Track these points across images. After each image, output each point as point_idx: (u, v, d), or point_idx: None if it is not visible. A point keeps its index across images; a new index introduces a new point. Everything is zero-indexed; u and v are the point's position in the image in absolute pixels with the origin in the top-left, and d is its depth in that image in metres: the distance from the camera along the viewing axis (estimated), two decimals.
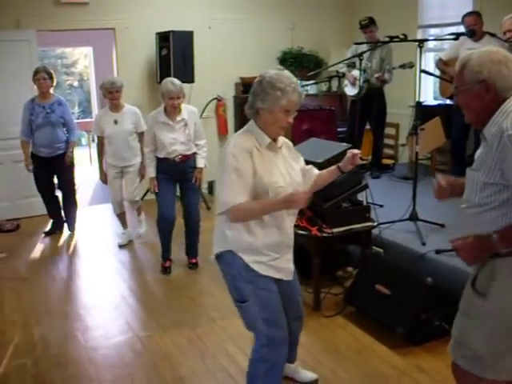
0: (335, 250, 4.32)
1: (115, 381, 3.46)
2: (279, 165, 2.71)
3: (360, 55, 5.25)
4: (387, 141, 7.66)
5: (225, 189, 2.59)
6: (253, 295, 2.72)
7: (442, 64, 6.23)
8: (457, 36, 4.66)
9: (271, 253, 2.71)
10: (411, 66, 5.87)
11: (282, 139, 2.79)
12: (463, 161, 6.31)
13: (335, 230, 4.03)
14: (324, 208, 4.03)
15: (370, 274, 4.04)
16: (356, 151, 2.91)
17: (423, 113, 6.82)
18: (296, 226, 4.02)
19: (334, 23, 8.43)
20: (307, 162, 3.56)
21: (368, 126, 6.84)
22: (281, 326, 2.79)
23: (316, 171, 3.04)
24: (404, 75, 6.36)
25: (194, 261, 5.19)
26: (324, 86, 8.18)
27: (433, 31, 7.44)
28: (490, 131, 2.10)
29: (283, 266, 2.80)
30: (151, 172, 4.92)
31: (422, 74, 7.30)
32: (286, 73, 2.65)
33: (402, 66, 5.92)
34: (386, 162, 7.15)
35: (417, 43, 4.69)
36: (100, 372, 3.56)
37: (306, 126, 7.41)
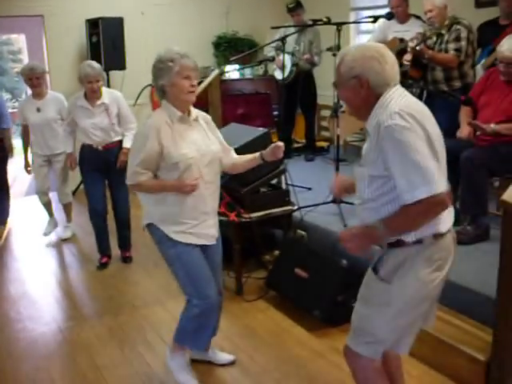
0: (257, 234, 4.34)
1: (30, 373, 3.44)
2: (194, 136, 2.91)
3: (283, 39, 5.25)
4: (323, 123, 7.73)
5: (130, 165, 2.90)
6: (177, 260, 2.97)
7: None
8: (375, 19, 4.68)
9: (189, 220, 2.92)
10: (339, 48, 5.90)
11: (196, 112, 2.99)
12: None
13: (254, 214, 4.07)
14: (242, 193, 4.06)
15: (289, 258, 4.09)
16: (280, 144, 3.02)
17: None
18: None
19: (269, 6, 8.38)
20: None
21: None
22: (209, 288, 2.99)
23: (235, 155, 3.20)
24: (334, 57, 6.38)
25: (127, 254, 5.12)
26: (260, 70, 8.19)
27: (366, 13, 7.49)
28: (371, 125, 2.13)
29: (204, 232, 2.99)
30: (68, 148, 5.00)
31: None
32: (174, 47, 2.85)
33: (329, 49, 5.94)
34: (320, 144, 7.21)
35: (335, 26, 4.70)
36: (16, 365, 3.54)
37: (241, 110, 7.42)
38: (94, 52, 6.99)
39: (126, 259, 5.10)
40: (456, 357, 3.12)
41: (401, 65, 5.05)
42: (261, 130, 4.11)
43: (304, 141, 7.15)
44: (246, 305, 4.13)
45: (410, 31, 5.37)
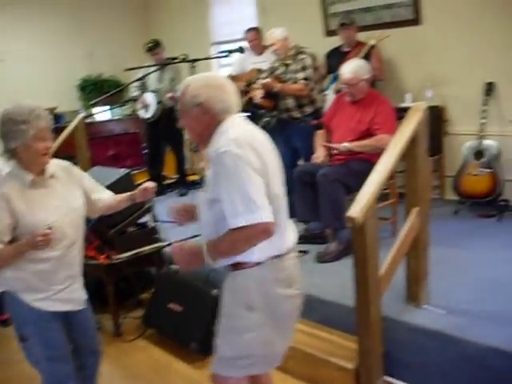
0: (131, 274, 4.34)
1: None
2: (51, 198, 2.65)
3: (141, 78, 5.33)
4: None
5: None
6: (34, 335, 2.67)
7: (231, 79, 6.45)
8: (228, 53, 4.87)
9: (52, 287, 2.66)
10: None
11: (54, 165, 2.72)
12: None
13: (123, 255, 4.08)
14: (109, 235, 4.06)
15: (163, 294, 4.12)
16: (148, 185, 2.98)
17: None
18: (85, 257, 4.04)
19: (132, 46, 8.40)
20: None
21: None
22: (65, 360, 2.75)
23: (109, 194, 3.05)
24: None
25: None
26: (128, 110, 8.20)
27: (225, 47, 7.73)
28: (211, 151, 2.21)
29: (70, 297, 2.75)
30: None
31: None
32: (24, 103, 2.57)
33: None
34: (193, 178, 7.28)
35: (191, 63, 4.82)
36: None
37: (111, 151, 7.42)
38: None
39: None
40: (327, 368, 3.26)
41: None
42: (122, 172, 4.14)
43: (176, 176, 7.21)
44: (125, 345, 4.11)
45: (266, 61, 5.62)
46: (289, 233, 2.37)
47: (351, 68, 4.31)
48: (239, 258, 2.23)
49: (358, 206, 2.71)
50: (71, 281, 2.75)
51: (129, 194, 3.03)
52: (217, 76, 2.34)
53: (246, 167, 2.06)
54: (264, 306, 2.27)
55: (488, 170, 4.95)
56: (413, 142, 3.01)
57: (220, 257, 2.21)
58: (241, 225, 2.05)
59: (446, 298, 3.37)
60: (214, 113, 2.22)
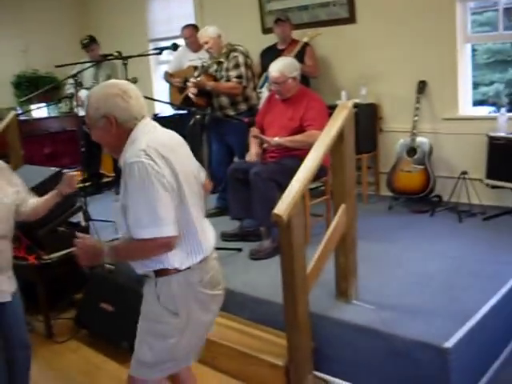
0: (64, 274, 4.25)
1: None
2: None
3: (75, 75, 5.23)
4: None
5: None
6: None
7: (168, 76, 6.42)
8: (160, 50, 4.82)
9: None
10: (135, 81, 5.94)
11: None
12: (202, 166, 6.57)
13: (54, 255, 4.00)
14: (39, 234, 3.96)
15: (95, 294, 4.06)
16: (71, 174, 3.03)
17: (162, 123, 7.03)
18: (15, 258, 3.95)
19: (69, 42, 8.22)
20: None
21: None
22: None
23: (32, 199, 3.03)
24: (142, 89, 6.35)
25: None
26: (65, 107, 8.05)
27: (163, 43, 7.65)
28: (121, 161, 2.19)
29: None
30: None
31: (157, 86, 7.56)
32: None
33: None
34: None
35: (122, 60, 4.77)
36: None
37: (48, 149, 7.32)
38: None
39: None
40: (258, 365, 3.27)
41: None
42: (53, 170, 4.07)
43: (113, 175, 7.12)
44: (57, 347, 4.02)
45: (203, 58, 5.59)
46: (208, 233, 2.37)
47: (278, 66, 4.33)
48: (162, 265, 2.22)
49: (284, 204, 2.72)
50: None
51: (54, 190, 3.01)
52: (116, 83, 2.27)
53: (153, 179, 2.05)
54: (189, 310, 2.27)
55: (420, 167, 5.05)
56: (339, 139, 3.04)
57: (118, 260, 2.33)
58: (142, 237, 2.07)
59: (376, 293, 3.42)
60: (120, 122, 2.17)
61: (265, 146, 4.35)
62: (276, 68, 4.31)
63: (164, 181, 2.07)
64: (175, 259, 2.20)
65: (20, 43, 7.99)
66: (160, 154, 2.10)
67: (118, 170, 6.73)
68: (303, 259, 2.89)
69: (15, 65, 7.97)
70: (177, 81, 6.15)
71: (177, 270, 2.22)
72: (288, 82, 4.31)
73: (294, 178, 2.86)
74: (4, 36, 7.89)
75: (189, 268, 2.24)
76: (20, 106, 7.46)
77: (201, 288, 2.28)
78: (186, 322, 2.27)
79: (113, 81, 2.32)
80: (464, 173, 4.89)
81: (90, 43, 6.48)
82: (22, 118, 7.27)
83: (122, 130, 2.19)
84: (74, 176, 3.01)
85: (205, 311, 2.33)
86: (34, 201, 3.02)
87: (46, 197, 3.04)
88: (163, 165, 2.09)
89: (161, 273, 2.24)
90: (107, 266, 4.44)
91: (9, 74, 7.93)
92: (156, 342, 2.31)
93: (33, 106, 7.58)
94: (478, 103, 5.57)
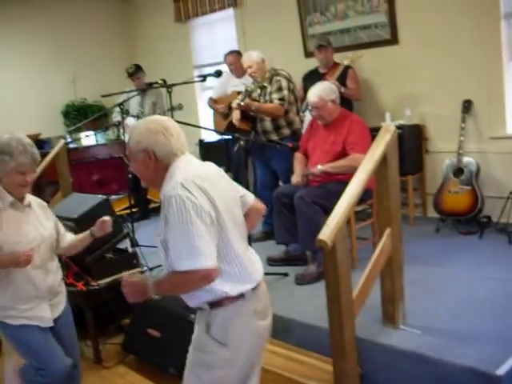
0: (112, 300, 4.31)
1: None
2: (24, 221, 2.91)
3: (121, 104, 5.34)
4: None
5: None
6: (20, 347, 3.00)
7: (212, 102, 6.50)
8: (204, 78, 4.88)
9: (19, 306, 2.90)
10: (180, 108, 6.06)
11: (30, 198, 3.00)
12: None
13: (101, 281, 4.06)
14: (87, 262, 4.04)
15: (142, 319, 4.09)
16: (105, 218, 3.14)
17: (207, 149, 7.12)
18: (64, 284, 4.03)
19: (116, 71, 8.42)
20: (64, 219, 3.59)
21: None
22: (55, 361, 2.98)
23: (70, 236, 3.25)
24: (187, 115, 6.45)
25: None
26: (113, 134, 8.21)
27: (208, 70, 7.76)
28: (161, 195, 2.23)
29: (37, 315, 2.95)
30: None
31: (202, 112, 7.64)
32: (18, 135, 2.82)
33: (172, 109, 6.07)
34: None
35: (167, 88, 4.85)
36: None
37: (96, 176, 7.44)
38: None
39: None
40: None
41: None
42: (99, 198, 4.13)
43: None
44: (105, 372, 4.07)
45: (247, 84, 5.63)
46: (255, 260, 2.38)
47: (316, 91, 4.36)
48: (214, 296, 2.23)
49: (328, 229, 2.71)
50: (38, 301, 2.96)
51: (88, 231, 3.19)
52: (160, 119, 2.32)
53: (191, 212, 2.07)
54: (240, 342, 2.27)
55: (468, 187, 4.96)
56: (383, 162, 3.02)
57: (163, 294, 2.30)
58: (183, 269, 2.09)
59: (423, 318, 3.36)
60: (159, 157, 2.23)
61: (310, 177, 4.34)
62: (314, 93, 4.34)
63: (202, 213, 2.10)
64: (225, 286, 2.21)
65: (69, 73, 8.24)
66: (197, 185, 2.13)
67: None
68: (349, 284, 2.87)
69: (64, 94, 8.19)
70: (221, 107, 6.21)
71: (231, 299, 2.23)
72: (327, 105, 4.32)
73: (338, 203, 2.85)
74: (53, 66, 8.11)
75: (242, 296, 2.25)
76: (69, 134, 7.65)
77: (255, 319, 2.29)
78: (236, 354, 2.27)
79: (156, 117, 2.37)
80: None
81: (135, 72, 6.61)
82: (72, 145, 7.46)
83: (159, 165, 2.24)
84: (107, 220, 3.13)
85: (257, 340, 2.33)
86: (71, 238, 3.23)
87: (81, 235, 3.23)
88: (200, 196, 2.12)
89: (215, 304, 2.25)
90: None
91: (58, 104, 8.14)
92: (203, 373, 2.31)
93: (81, 134, 7.76)
94: None
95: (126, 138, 6.62)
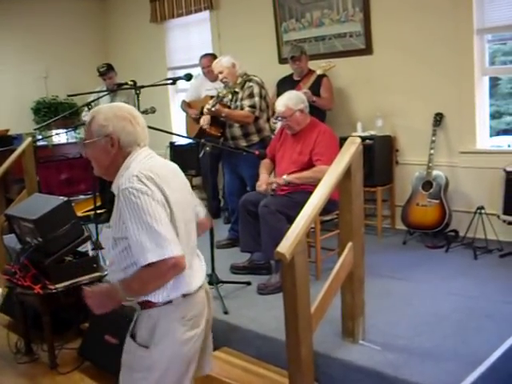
0: (71, 304, 4.21)
1: None
2: None
3: (89, 104, 5.24)
4: None
5: None
6: None
7: (185, 105, 6.44)
8: (174, 80, 4.81)
9: None
10: (153, 111, 5.98)
11: None
12: (217, 196, 6.55)
13: (59, 285, 3.94)
14: (46, 264, 3.94)
15: (99, 325, 4.00)
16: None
17: (178, 152, 7.04)
18: (21, 286, 3.93)
19: (89, 69, 8.18)
20: (23, 220, 3.49)
21: None
22: None
23: None
24: (159, 117, 6.36)
25: None
26: (83, 134, 8.08)
27: (182, 72, 7.68)
28: (114, 187, 2.17)
29: None
30: None
31: (175, 114, 7.56)
32: None
33: (145, 112, 5.98)
34: None
35: (135, 90, 4.76)
36: None
37: (64, 175, 7.35)
38: None
39: None
40: None
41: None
42: (60, 200, 4.02)
43: None
44: (59, 378, 3.94)
45: (219, 88, 5.57)
46: (197, 268, 2.31)
47: (283, 101, 4.34)
48: (146, 297, 2.16)
49: (288, 241, 2.65)
50: None
51: None
52: (125, 107, 2.25)
53: (150, 202, 2.02)
54: (163, 348, 2.18)
55: (436, 201, 4.96)
56: (347, 175, 2.98)
57: (134, 295, 2.15)
58: (150, 261, 1.99)
59: (384, 333, 3.32)
60: (122, 145, 2.17)
61: (274, 186, 4.28)
62: (281, 103, 4.32)
63: (161, 204, 2.04)
64: (160, 291, 2.14)
65: (41, 69, 8.09)
66: (153, 181, 2.07)
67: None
68: (307, 298, 2.81)
69: (36, 91, 8.03)
70: (193, 112, 6.15)
71: (161, 303, 2.17)
72: (295, 115, 4.29)
73: (299, 215, 2.79)
74: (25, 62, 7.96)
75: (173, 302, 2.18)
76: (38, 131, 7.52)
77: (180, 326, 2.19)
78: (156, 359, 2.18)
79: (123, 104, 2.29)
80: (481, 208, 4.78)
81: (106, 71, 6.52)
82: (41, 143, 7.34)
83: (120, 154, 2.17)
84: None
85: (182, 349, 2.22)
86: None
87: None
88: (156, 191, 2.06)
89: (144, 305, 2.19)
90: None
91: (29, 100, 7.98)
92: (125, 373, 2.27)
93: (51, 132, 7.64)
94: (502, 133, 5.42)
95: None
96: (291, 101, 4.30)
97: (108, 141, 2.16)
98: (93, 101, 5.45)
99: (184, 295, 2.19)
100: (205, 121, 5.12)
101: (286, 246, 2.63)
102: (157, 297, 2.15)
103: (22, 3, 7.90)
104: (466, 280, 4.14)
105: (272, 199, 4.14)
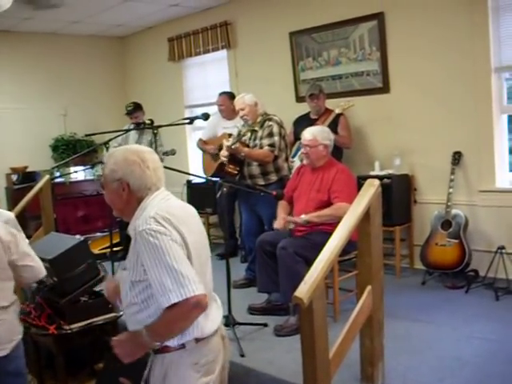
0: (85, 344, 4.17)
1: None
2: None
3: (106, 143, 5.26)
4: None
5: None
6: None
7: (201, 143, 6.45)
8: (191, 120, 4.82)
9: None
10: (173, 153, 6.03)
11: None
12: (234, 235, 6.52)
13: (74, 325, 3.91)
14: (61, 304, 3.91)
15: (114, 366, 3.92)
16: None
17: (195, 190, 7.04)
18: (35, 326, 3.90)
19: (108, 107, 8.44)
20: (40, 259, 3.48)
21: None
22: None
23: None
24: (177, 155, 6.34)
25: None
26: (101, 171, 8.12)
27: (199, 110, 7.72)
28: (131, 228, 2.14)
29: None
30: None
31: (191, 152, 7.57)
32: None
33: (165, 154, 6.02)
34: None
35: (152, 129, 4.79)
36: None
37: (81, 212, 7.36)
38: None
39: None
40: None
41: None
42: (77, 239, 4.03)
43: None
44: None
45: (237, 126, 5.58)
46: (213, 312, 2.26)
47: (312, 130, 4.38)
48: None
49: (306, 286, 2.60)
50: None
51: None
52: (138, 150, 2.23)
53: (169, 243, 2.00)
54: None
55: (455, 241, 4.88)
56: (365, 218, 2.94)
57: (161, 340, 2.11)
58: (173, 301, 1.97)
59: (404, 378, 3.26)
60: (132, 189, 2.15)
61: (291, 226, 4.26)
62: (310, 131, 4.37)
63: (178, 243, 2.02)
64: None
65: (60, 107, 8.18)
66: (170, 222, 2.05)
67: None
68: (325, 343, 2.74)
69: (55, 128, 8.10)
70: (211, 148, 6.16)
71: (175, 348, 2.13)
72: (319, 147, 4.29)
73: (318, 259, 2.74)
74: (46, 100, 8.06)
75: (186, 347, 2.13)
76: (56, 169, 7.56)
77: (193, 372, 2.15)
78: None
79: (136, 146, 2.30)
80: (501, 247, 4.70)
81: (133, 110, 6.57)
82: (58, 180, 7.37)
83: (132, 197, 2.16)
84: None
85: None
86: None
87: None
88: (174, 231, 2.04)
89: (158, 350, 2.15)
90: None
91: (48, 137, 8.05)
92: None
93: (69, 169, 7.68)
94: None
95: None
96: (320, 133, 4.34)
97: (119, 185, 2.16)
98: (110, 140, 5.47)
99: (197, 340, 2.15)
100: (224, 154, 5.11)
101: (303, 291, 2.58)
102: (171, 341, 2.11)
103: (43, 41, 8.03)
104: (488, 322, 4.05)
105: (290, 241, 4.09)
